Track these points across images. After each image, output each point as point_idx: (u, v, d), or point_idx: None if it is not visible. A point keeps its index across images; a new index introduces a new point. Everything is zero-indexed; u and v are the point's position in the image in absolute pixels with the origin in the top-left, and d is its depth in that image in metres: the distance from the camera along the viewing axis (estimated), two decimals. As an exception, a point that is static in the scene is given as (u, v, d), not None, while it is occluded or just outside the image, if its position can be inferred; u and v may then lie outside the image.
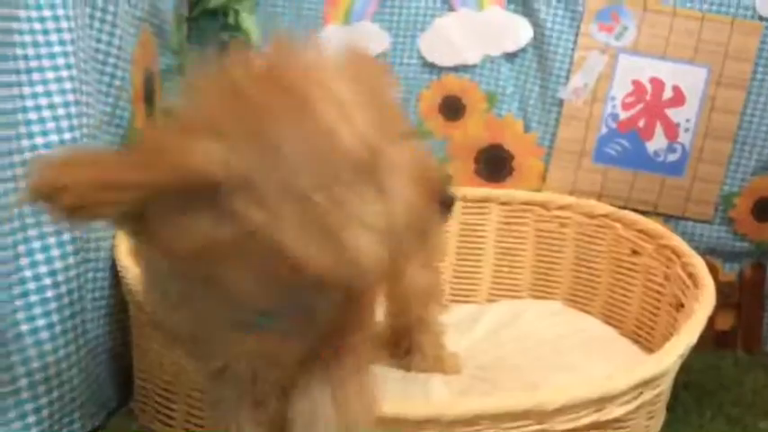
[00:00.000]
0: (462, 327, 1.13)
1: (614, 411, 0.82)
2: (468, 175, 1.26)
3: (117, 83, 0.90)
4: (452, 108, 1.24)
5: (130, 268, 0.85)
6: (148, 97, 1.00)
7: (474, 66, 1.22)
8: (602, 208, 1.17)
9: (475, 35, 1.21)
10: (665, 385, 0.88)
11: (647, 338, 1.07)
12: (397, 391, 0.89)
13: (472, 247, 1.24)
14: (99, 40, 0.87)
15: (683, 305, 0.98)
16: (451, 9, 1.21)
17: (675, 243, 1.04)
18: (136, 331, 0.89)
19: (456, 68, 1.22)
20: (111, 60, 0.89)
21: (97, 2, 0.84)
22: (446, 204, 0.49)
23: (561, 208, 1.20)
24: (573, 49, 1.19)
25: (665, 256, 1.05)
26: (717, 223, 1.23)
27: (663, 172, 1.22)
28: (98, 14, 0.85)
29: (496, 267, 1.25)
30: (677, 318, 0.99)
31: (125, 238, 0.90)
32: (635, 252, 1.11)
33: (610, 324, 1.13)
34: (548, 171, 1.24)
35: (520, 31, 1.20)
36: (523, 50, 1.21)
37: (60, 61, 0.72)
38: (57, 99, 0.71)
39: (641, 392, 0.83)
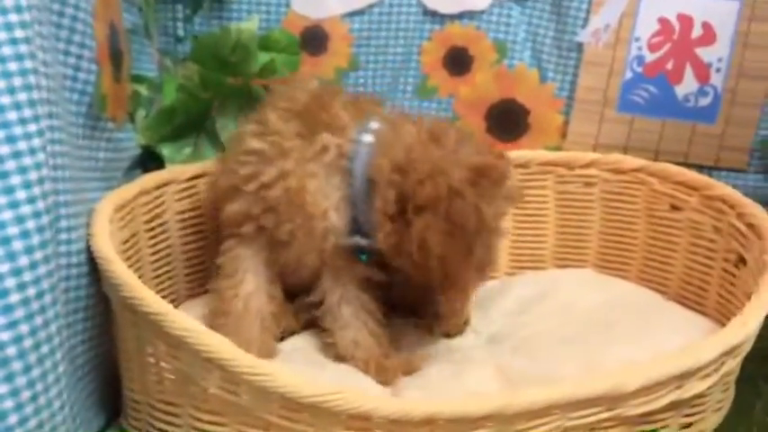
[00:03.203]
0: (487, 303, 1.01)
1: (696, 387, 0.71)
2: (479, 135, 1.13)
3: (77, 38, 0.75)
4: (458, 61, 1.11)
5: (113, 260, 0.71)
6: (114, 57, 0.85)
7: (481, 12, 1.09)
8: (633, 162, 1.05)
9: (480, -23, 1.08)
10: (746, 352, 0.77)
11: (697, 300, 0.96)
12: (441, 385, 0.75)
13: (487, 216, 1.12)
14: (53, -14, 0.71)
15: (743, 260, 0.87)
16: (454, -52, 1.07)
17: (726, 192, 0.93)
18: (121, 335, 0.74)
19: (461, 16, 1.09)
20: (69, 11, 0.74)
21: (46, -62, 0.69)
22: None
23: (586, 166, 1.07)
24: (591, -13, 1.07)
25: (715, 207, 0.94)
26: (752, 172, 1.13)
27: (693, 118, 1.10)
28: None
29: (516, 237, 1.12)
30: (737, 274, 0.88)
31: (102, 225, 0.76)
32: (675, 207, 1.00)
33: (650, 288, 1.02)
34: (568, 125, 1.11)
35: (531, -30, 1.08)
36: (535, -9, 1.09)
37: (8, 2, 0.56)
38: (6, 51, 0.56)
39: (723, 362, 0.72)
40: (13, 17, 0.57)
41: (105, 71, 0.81)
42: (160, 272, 0.94)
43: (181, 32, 1.06)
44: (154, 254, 0.93)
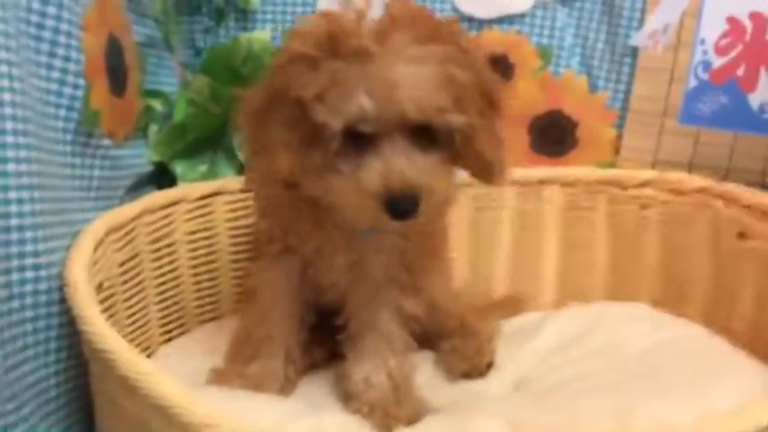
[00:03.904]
0: (523, 338, 0.91)
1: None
2: (522, 151, 1.02)
3: (61, 51, 0.71)
4: (498, 69, 1.00)
5: (80, 290, 0.65)
6: (113, 71, 0.80)
7: (522, 15, 0.99)
8: (696, 181, 0.93)
9: (521, -24, 0.98)
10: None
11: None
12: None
13: (531, 241, 1.02)
14: (29, -3, 0.68)
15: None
16: (489, -54, 0.98)
17: (804, 220, 0.79)
18: (90, 368, 0.69)
19: (500, 20, 1.00)
20: (50, 23, 0.70)
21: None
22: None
23: (641, 185, 0.97)
24: (647, -17, 0.94)
25: (790, 238, 0.80)
26: (844, 194, 0.96)
27: (771, 131, 0.96)
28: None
29: (562, 264, 1.02)
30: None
31: (83, 249, 0.71)
32: (743, 235, 0.87)
33: (714, 329, 0.88)
34: (622, 139, 0.99)
35: (577, -34, 0.97)
36: (583, -10, 0.98)
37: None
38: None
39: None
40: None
41: (98, 85, 0.77)
42: (166, 296, 0.89)
43: (201, 44, 1.01)
44: (158, 276, 0.88)
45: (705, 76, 0.95)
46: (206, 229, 0.94)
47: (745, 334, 0.85)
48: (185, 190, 0.92)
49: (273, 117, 0.62)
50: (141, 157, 0.92)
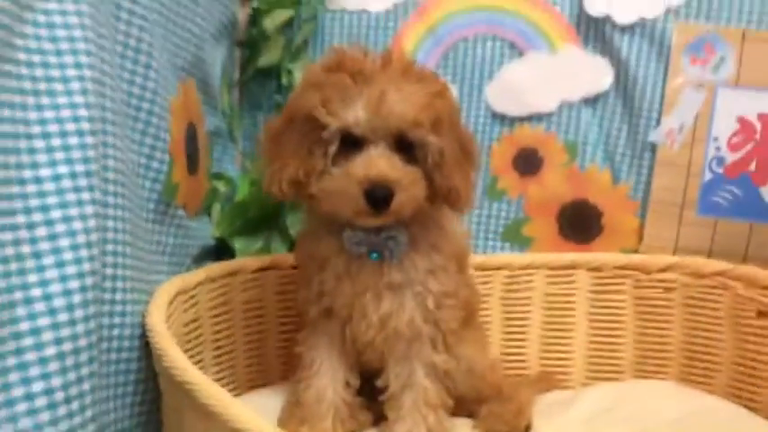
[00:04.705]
0: (556, 410, 0.95)
1: None
2: (551, 238, 1.11)
3: (152, 130, 0.82)
4: (528, 162, 1.11)
5: (162, 333, 0.73)
6: (191, 153, 0.91)
7: (550, 114, 1.10)
8: (714, 265, 0.99)
9: (549, 80, 1.09)
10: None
11: (791, 420, 0.86)
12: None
13: (560, 322, 1.08)
14: (132, 83, 0.79)
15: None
16: (521, 54, 1.10)
17: (818, 298, 0.85)
18: (165, 410, 0.75)
19: (530, 118, 1.10)
20: (146, 105, 0.81)
21: (129, 41, 0.78)
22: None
23: (664, 270, 1.03)
24: (663, 87, 1.05)
25: (806, 314, 0.86)
26: None
27: (784, 222, 1.03)
28: (130, 53, 0.78)
29: (591, 344, 1.07)
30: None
31: (160, 303, 0.79)
32: (762, 314, 0.92)
33: (739, 404, 0.92)
34: (644, 228, 1.07)
35: (600, 72, 1.08)
36: (605, 93, 1.08)
37: (75, 86, 0.63)
38: (69, 126, 0.62)
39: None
40: (79, 99, 0.64)
41: (179, 162, 0.87)
42: (221, 359, 0.95)
43: (261, 136, 1.12)
44: (216, 341, 0.95)
45: (719, 171, 1.04)
46: (259, 300, 1.01)
47: (769, 408, 0.89)
48: (243, 262, 1.00)
49: (287, 135, 0.76)
50: (206, 231, 1.01)
